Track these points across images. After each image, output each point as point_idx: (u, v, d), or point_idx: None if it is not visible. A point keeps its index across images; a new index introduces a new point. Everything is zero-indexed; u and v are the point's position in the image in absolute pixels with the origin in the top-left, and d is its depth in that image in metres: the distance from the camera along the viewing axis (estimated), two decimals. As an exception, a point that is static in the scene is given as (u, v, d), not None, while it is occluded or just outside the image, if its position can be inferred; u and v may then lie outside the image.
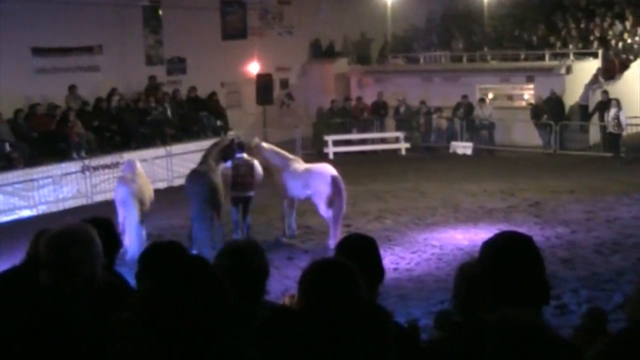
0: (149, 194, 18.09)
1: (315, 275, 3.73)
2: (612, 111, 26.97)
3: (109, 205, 22.38)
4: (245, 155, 18.02)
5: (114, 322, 3.83)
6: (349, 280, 3.70)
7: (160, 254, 5.04)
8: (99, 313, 4.15)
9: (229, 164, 17.99)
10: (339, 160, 28.94)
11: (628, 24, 34.53)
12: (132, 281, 5.49)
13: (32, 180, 23.00)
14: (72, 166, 24.10)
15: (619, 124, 26.74)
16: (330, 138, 30.70)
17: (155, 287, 3.15)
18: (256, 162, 18.04)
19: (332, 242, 16.79)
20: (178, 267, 3.16)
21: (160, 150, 26.14)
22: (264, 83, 31.45)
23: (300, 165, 18.22)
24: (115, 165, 24.81)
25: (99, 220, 5.59)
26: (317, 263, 3.84)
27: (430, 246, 17.34)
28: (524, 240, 4.02)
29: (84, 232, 4.42)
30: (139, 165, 18.70)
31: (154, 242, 5.62)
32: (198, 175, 17.44)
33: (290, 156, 18.57)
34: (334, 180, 17.41)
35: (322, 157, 27.72)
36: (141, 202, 17.64)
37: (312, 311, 3.62)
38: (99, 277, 4.40)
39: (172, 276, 3.11)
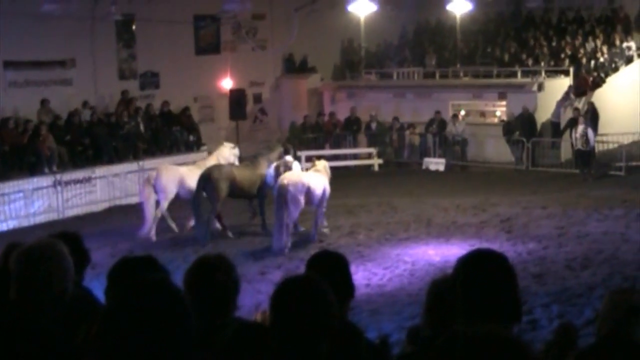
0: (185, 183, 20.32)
1: (286, 292, 3.72)
2: (580, 128, 27.16)
3: (81, 220, 22.40)
4: (287, 158, 20.51)
5: (80, 338, 3.80)
6: (320, 296, 3.70)
7: (128, 270, 4.98)
8: (65, 328, 4.12)
9: (272, 166, 20.28)
10: (311, 176, 28.95)
11: (599, 42, 34.83)
12: (102, 296, 5.45)
13: (3, 194, 22.86)
14: (44, 180, 23.95)
15: (587, 140, 26.93)
16: (303, 154, 30.69)
17: (111, 306, 3.12)
18: (295, 164, 20.34)
19: (276, 245, 18.29)
20: (133, 287, 3.12)
21: (133, 165, 26.05)
22: (237, 98, 31.46)
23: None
24: (88, 180, 24.71)
25: (67, 235, 5.54)
26: (288, 279, 3.84)
27: (403, 262, 17.35)
28: (499, 258, 4.05)
29: (55, 247, 4.41)
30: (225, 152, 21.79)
31: (124, 257, 5.56)
32: (205, 170, 19.95)
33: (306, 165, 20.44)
34: (279, 189, 18.52)
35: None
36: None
37: (282, 327, 3.62)
38: (69, 293, 4.37)
39: (126, 296, 3.08)
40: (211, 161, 21.22)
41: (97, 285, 6.18)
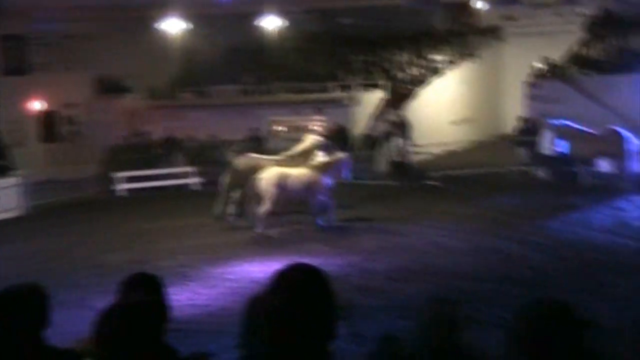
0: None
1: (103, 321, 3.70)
2: (396, 140, 27.77)
3: None
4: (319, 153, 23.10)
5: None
6: (129, 322, 3.65)
7: None
8: None
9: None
10: (134, 197, 28.44)
11: (410, 56, 35.84)
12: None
13: None
14: None
15: (402, 152, 27.56)
16: (121, 175, 30.03)
17: None
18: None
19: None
20: None
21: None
22: (48, 120, 30.56)
23: None
24: None
25: None
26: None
27: (226, 280, 17.22)
28: (313, 272, 3.90)
29: None
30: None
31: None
32: None
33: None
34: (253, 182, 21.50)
35: (112, 194, 27.12)
36: None
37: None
38: None
39: None
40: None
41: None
